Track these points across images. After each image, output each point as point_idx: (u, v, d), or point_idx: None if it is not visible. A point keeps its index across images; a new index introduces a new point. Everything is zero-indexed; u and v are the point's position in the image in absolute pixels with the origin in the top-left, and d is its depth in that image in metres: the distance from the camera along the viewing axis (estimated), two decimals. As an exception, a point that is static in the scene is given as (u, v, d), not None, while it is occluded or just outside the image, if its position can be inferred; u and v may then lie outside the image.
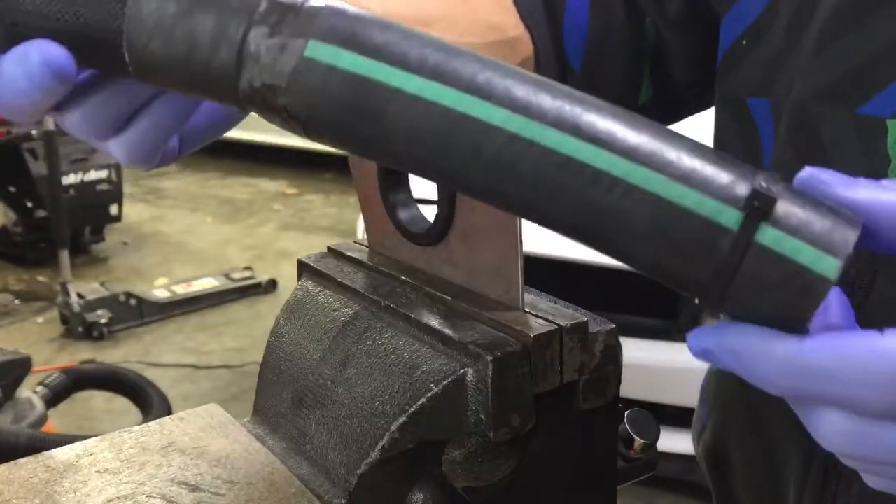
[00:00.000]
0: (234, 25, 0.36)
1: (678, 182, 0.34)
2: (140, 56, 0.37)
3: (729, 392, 0.71)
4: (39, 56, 0.37)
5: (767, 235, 0.33)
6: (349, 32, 0.35)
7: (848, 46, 0.53)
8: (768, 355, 0.34)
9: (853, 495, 0.57)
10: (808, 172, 0.35)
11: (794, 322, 0.34)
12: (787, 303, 0.33)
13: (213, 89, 0.37)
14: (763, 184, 0.33)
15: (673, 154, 0.34)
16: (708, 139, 0.71)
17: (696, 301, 0.40)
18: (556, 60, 0.70)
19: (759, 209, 0.33)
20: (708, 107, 0.75)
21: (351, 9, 0.36)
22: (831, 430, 0.35)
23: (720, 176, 0.34)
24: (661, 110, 0.75)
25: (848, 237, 0.33)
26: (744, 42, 0.62)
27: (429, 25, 0.62)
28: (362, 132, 0.36)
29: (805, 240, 0.33)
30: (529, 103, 0.35)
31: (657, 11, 0.69)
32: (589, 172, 0.34)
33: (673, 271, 0.35)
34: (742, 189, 0.33)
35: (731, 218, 0.33)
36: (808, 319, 0.33)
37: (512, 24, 0.68)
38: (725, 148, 0.65)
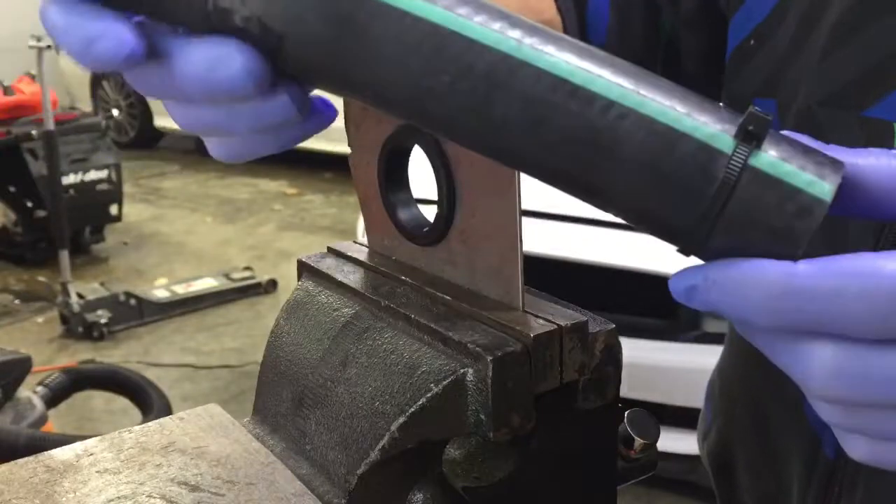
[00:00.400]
0: None
1: (672, 110, 0.33)
2: None
3: (734, 393, 0.71)
4: (242, 64, 0.35)
5: (762, 159, 0.33)
6: None
7: (855, 51, 0.53)
8: (758, 280, 0.33)
9: (857, 498, 0.57)
10: (787, 132, 0.35)
11: (788, 249, 0.33)
12: (782, 227, 0.33)
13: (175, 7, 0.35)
14: (756, 111, 0.34)
15: (666, 86, 0.34)
16: None
17: (680, 248, 0.38)
18: None
19: (753, 133, 0.33)
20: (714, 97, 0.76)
21: None
22: (820, 364, 0.33)
23: (714, 108, 0.34)
24: None
25: (837, 168, 0.33)
26: (751, 42, 0.62)
27: None
28: (345, 51, 0.34)
29: (798, 166, 0.33)
30: (524, 30, 0.34)
31: (672, 8, 0.70)
32: (583, 94, 0.33)
33: (663, 204, 0.34)
34: (735, 119, 0.34)
35: (725, 143, 0.33)
36: (803, 246, 0.33)
37: (547, 6, 0.70)
38: None
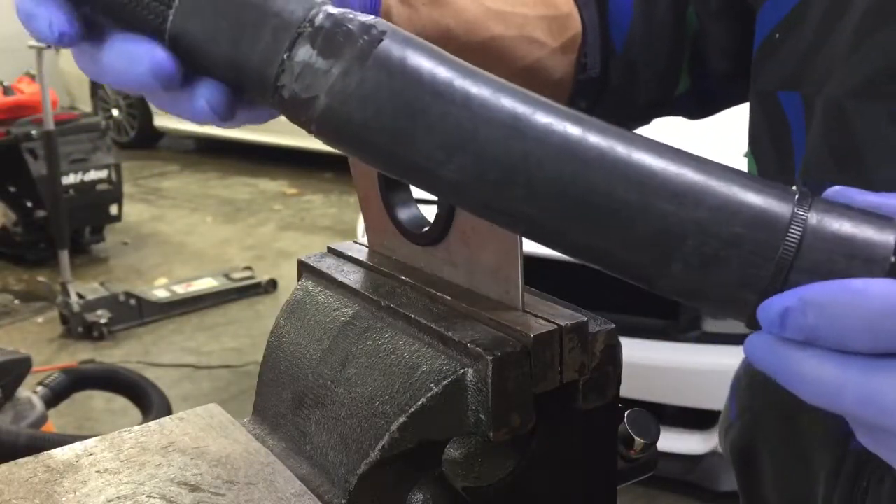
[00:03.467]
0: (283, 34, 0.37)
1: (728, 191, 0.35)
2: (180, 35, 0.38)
3: (761, 388, 0.71)
4: (149, 64, 0.39)
5: (822, 219, 0.34)
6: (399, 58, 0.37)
7: (885, 42, 0.52)
8: (859, 300, 0.32)
9: (885, 492, 0.57)
10: (836, 188, 0.36)
11: None
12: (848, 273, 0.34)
13: (250, 85, 0.39)
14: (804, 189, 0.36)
15: (716, 167, 0.36)
16: (741, 137, 0.71)
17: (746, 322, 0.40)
18: (601, 41, 0.70)
19: (806, 195, 0.35)
20: (741, 101, 0.76)
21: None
22: None
23: (761, 184, 0.36)
24: (696, 103, 0.75)
25: (892, 223, 0.35)
26: (777, 35, 0.61)
27: None
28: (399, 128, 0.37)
29: (855, 222, 0.34)
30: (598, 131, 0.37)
31: (699, 0, 0.69)
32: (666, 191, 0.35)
33: (728, 280, 0.35)
34: (788, 190, 0.35)
35: (784, 210, 0.34)
36: None
37: (564, 1, 0.69)
38: (758, 145, 0.66)
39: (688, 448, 2.44)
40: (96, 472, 0.50)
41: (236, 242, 5.24)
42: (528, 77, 0.66)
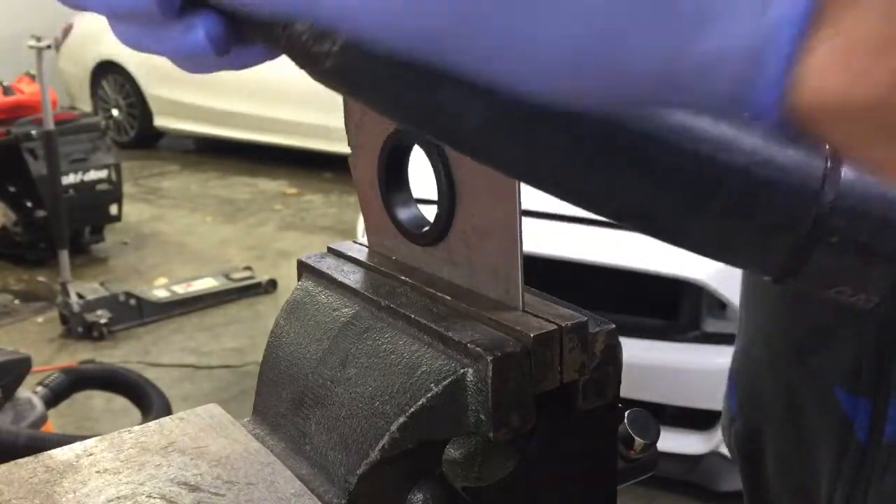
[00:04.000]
0: None
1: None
2: None
3: (762, 381, 0.72)
4: (204, 31, 0.35)
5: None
6: None
7: None
8: None
9: (886, 482, 0.57)
10: None
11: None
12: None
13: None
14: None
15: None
16: None
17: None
18: None
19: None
20: None
21: None
22: None
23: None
24: None
25: None
26: None
27: None
28: None
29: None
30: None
31: None
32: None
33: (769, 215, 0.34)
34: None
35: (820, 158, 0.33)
36: None
37: None
38: None
39: (688, 448, 2.44)
40: (96, 472, 0.50)
41: (236, 242, 5.24)
42: None
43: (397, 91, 0.34)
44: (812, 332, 0.64)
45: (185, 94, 6.70)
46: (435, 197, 0.51)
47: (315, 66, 0.34)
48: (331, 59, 0.34)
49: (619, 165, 0.34)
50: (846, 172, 0.33)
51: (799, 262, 0.34)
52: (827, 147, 0.34)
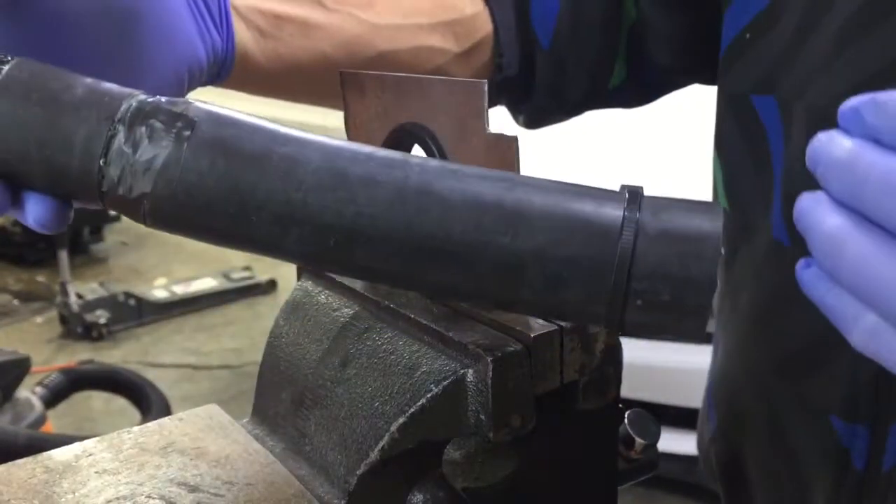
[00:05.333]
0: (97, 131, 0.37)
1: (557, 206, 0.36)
2: None
3: (744, 403, 0.67)
4: (32, 218, 0.39)
5: (649, 220, 0.36)
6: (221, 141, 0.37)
7: (871, 47, 0.50)
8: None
9: None
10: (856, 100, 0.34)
11: (701, 297, 0.35)
12: (687, 275, 0.35)
13: (78, 195, 0.39)
14: (628, 186, 0.37)
15: (542, 184, 0.37)
16: (705, 136, 0.70)
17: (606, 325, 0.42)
18: (518, 39, 0.68)
19: (633, 199, 0.36)
20: (679, 88, 0.74)
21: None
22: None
23: (591, 191, 0.37)
24: (633, 94, 0.73)
25: (715, 206, 0.36)
26: (748, 35, 0.60)
27: (372, 6, 0.61)
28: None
29: (683, 214, 0.36)
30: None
31: None
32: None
33: (576, 293, 0.36)
34: (617, 196, 0.37)
35: (615, 216, 0.36)
36: (714, 288, 0.35)
37: (469, 1, 0.66)
38: (726, 147, 0.64)
39: (688, 448, 2.44)
40: (95, 472, 0.50)
41: (236, 242, 5.24)
42: None
43: (213, 235, 0.38)
44: (798, 354, 0.59)
45: (184, 95, 6.71)
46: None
47: (142, 223, 0.38)
48: (148, 220, 0.38)
49: (448, 270, 0.37)
50: (642, 239, 0.35)
51: (617, 321, 0.36)
52: (625, 213, 0.35)
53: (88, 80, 0.38)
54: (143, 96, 0.38)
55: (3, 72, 0.37)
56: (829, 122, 0.52)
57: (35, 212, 0.39)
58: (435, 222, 0.36)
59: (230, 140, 0.36)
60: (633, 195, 0.36)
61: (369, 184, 0.36)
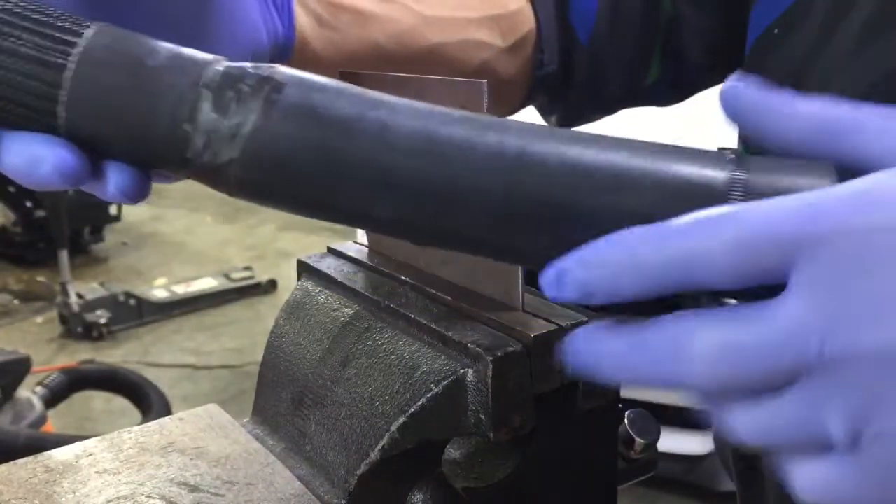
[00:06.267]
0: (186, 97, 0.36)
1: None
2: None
3: None
4: (52, 164, 0.37)
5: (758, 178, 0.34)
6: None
7: (889, 46, 0.51)
8: (624, 246, 0.33)
9: None
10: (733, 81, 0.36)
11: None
12: None
13: (160, 163, 0.38)
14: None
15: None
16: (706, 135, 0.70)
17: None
18: (559, 35, 0.68)
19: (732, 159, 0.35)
20: (713, 86, 0.74)
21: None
22: (696, 345, 0.32)
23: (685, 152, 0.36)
24: (667, 91, 0.73)
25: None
26: (776, 31, 0.60)
27: (420, 1, 0.62)
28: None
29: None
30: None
31: None
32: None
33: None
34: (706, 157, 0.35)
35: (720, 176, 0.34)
36: None
37: None
38: (751, 140, 0.64)
39: (688, 448, 2.44)
40: (96, 472, 0.50)
41: (236, 242, 5.24)
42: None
43: (301, 204, 0.37)
44: None
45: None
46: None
47: (227, 193, 0.37)
48: (233, 189, 0.37)
49: (545, 236, 0.35)
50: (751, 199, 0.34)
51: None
52: (731, 174, 0.34)
53: (171, 46, 0.37)
54: (228, 62, 0.37)
55: (86, 36, 0.36)
56: None
57: (117, 180, 0.38)
58: (534, 186, 0.34)
59: (320, 104, 0.35)
60: (737, 156, 0.35)
61: (464, 147, 0.35)
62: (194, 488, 0.48)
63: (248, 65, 0.37)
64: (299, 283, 0.60)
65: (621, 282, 0.33)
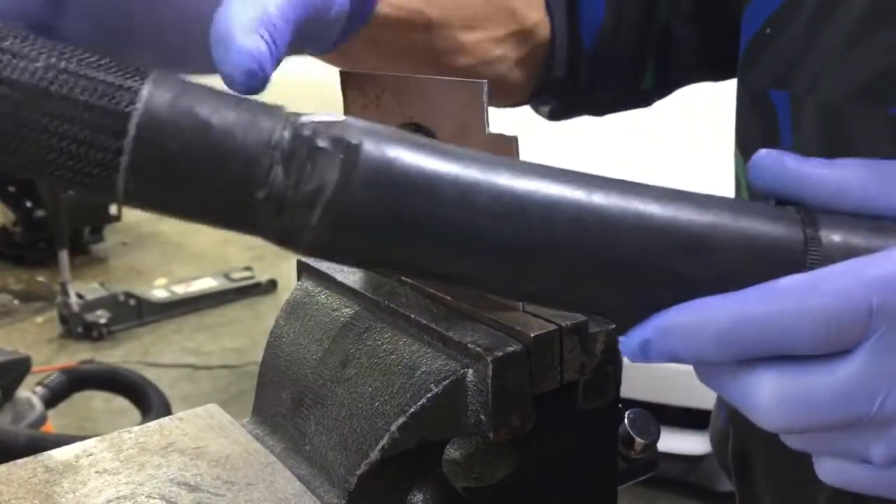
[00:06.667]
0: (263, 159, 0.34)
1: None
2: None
3: None
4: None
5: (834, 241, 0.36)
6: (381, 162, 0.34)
7: (880, 45, 0.51)
8: (707, 316, 0.34)
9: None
10: (764, 152, 0.38)
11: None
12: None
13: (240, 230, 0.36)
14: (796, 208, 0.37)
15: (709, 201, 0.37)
16: (727, 129, 0.70)
17: None
18: (569, 45, 0.69)
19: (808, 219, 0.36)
20: (703, 82, 0.75)
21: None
22: (765, 392, 0.35)
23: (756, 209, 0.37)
24: (658, 93, 0.75)
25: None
26: (768, 30, 0.60)
27: (461, 29, 0.62)
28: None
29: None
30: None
31: (671, 2, 0.68)
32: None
33: None
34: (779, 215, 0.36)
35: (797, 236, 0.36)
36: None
37: (535, 9, 0.67)
38: (747, 140, 0.65)
39: (688, 448, 2.44)
40: (95, 472, 0.50)
41: (236, 242, 5.23)
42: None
43: (380, 264, 0.37)
44: None
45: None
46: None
47: (306, 255, 0.36)
48: (312, 252, 0.35)
49: (624, 296, 0.36)
50: (828, 262, 0.35)
51: None
52: (806, 233, 0.35)
53: (234, 97, 0.34)
54: (297, 118, 0.35)
55: (144, 95, 0.33)
56: (840, 119, 0.53)
57: None
58: (614, 250, 0.35)
59: (399, 167, 0.34)
60: (807, 213, 0.36)
61: (546, 209, 0.34)
62: (194, 488, 0.48)
63: (316, 119, 0.35)
64: (299, 283, 0.60)
65: (706, 350, 0.35)
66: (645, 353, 0.36)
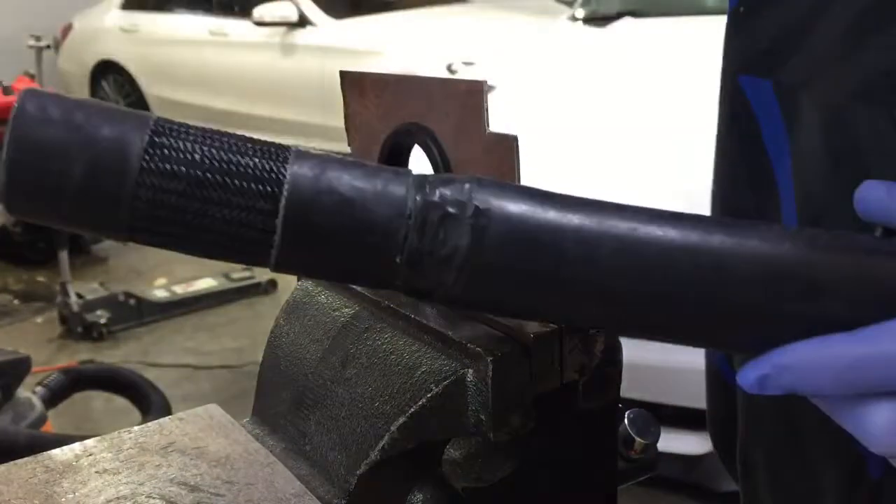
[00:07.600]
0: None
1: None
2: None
3: (762, 402, 0.65)
4: None
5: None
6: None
7: (887, 42, 0.48)
8: (826, 357, 0.35)
9: None
10: (871, 182, 0.38)
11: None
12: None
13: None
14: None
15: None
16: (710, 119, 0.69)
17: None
18: None
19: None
20: None
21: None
22: (880, 422, 0.36)
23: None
24: None
25: None
26: (741, 9, 0.58)
27: None
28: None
29: None
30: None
31: None
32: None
33: None
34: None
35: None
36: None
37: None
38: (724, 136, 0.63)
39: (688, 448, 2.44)
40: (96, 472, 0.50)
41: (236, 242, 5.23)
42: None
43: (508, 313, 0.41)
44: None
45: (184, 95, 6.70)
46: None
47: (443, 303, 0.38)
48: (450, 304, 0.38)
49: (737, 338, 0.39)
50: None
51: None
52: None
53: (362, 166, 0.37)
54: (423, 181, 0.37)
55: (289, 176, 0.36)
56: (849, 122, 0.50)
57: None
58: (732, 295, 0.36)
59: (527, 226, 0.36)
60: None
61: (666, 259, 0.36)
62: (194, 488, 0.48)
63: (443, 190, 0.37)
64: (299, 282, 0.60)
65: (822, 386, 0.36)
66: (762, 387, 0.37)
